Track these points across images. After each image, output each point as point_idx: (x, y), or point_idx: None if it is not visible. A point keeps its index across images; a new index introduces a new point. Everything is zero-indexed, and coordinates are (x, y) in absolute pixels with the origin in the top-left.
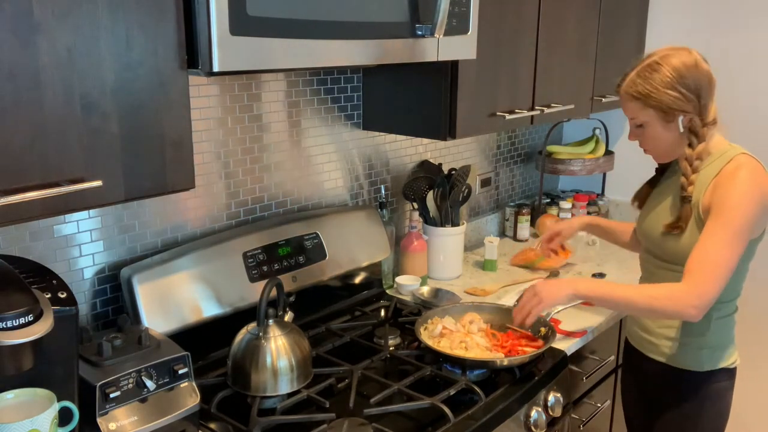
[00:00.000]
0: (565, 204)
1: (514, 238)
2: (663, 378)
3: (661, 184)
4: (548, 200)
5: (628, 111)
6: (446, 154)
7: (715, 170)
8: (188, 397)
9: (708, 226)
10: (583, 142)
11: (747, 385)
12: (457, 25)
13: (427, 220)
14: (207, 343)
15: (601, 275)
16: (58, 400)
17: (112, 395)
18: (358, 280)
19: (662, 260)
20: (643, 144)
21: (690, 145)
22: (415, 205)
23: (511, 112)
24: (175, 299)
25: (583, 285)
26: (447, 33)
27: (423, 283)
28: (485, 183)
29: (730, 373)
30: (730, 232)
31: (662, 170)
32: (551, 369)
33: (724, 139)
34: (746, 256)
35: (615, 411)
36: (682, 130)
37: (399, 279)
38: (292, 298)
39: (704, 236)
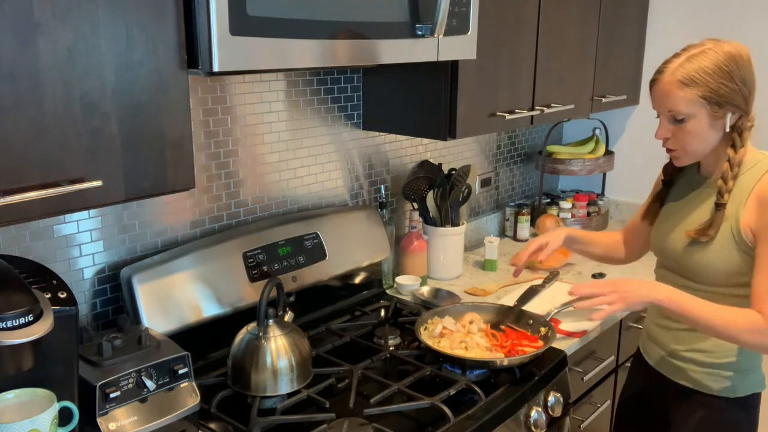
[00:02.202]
0: (565, 204)
1: (514, 238)
2: (686, 405)
3: (679, 198)
4: (548, 200)
5: (671, 101)
6: (446, 154)
7: (751, 180)
8: (188, 397)
9: (766, 251)
10: (583, 142)
11: None
12: (457, 25)
13: (427, 220)
14: (207, 343)
15: (601, 275)
16: (58, 400)
17: (112, 395)
18: (358, 280)
19: (685, 277)
20: (676, 142)
21: (733, 147)
22: (415, 205)
23: (511, 112)
24: (175, 299)
25: (664, 295)
26: (447, 33)
27: (423, 283)
28: (485, 183)
29: (759, 396)
30: None
31: (669, 182)
32: (551, 369)
33: (752, 146)
34: None
35: (615, 411)
36: (728, 129)
37: (399, 279)
38: (292, 298)
39: (765, 263)
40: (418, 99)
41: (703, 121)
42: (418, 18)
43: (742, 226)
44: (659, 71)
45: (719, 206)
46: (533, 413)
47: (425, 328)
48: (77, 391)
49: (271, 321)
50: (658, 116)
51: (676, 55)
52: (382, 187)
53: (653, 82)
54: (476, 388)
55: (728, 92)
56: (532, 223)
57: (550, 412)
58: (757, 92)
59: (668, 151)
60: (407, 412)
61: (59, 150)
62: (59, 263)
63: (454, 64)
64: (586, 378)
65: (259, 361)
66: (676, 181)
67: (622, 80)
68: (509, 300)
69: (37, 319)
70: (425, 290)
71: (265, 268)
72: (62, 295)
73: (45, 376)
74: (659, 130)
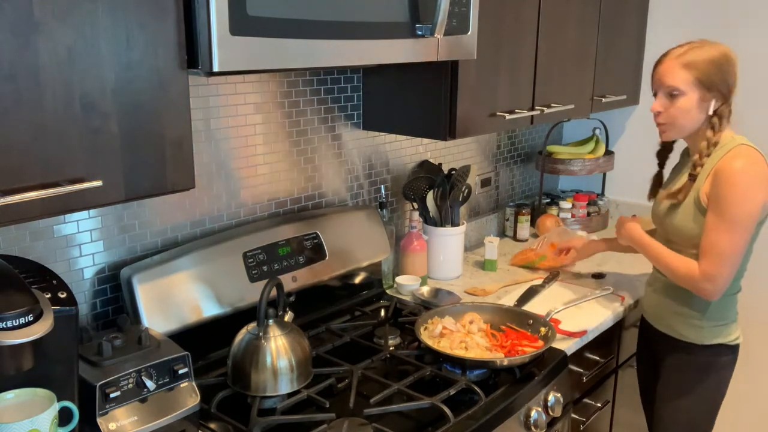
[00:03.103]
0: (565, 204)
1: (514, 238)
2: (667, 349)
3: (673, 179)
4: (548, 200)
5: (670, 78)
6: (446, 154)
7: (716, 158)
8: (188, 397)
9: (710, 217)
10: (583, 142)
11: (754, 363)
12: (457, 25)
13: (427, 220)
14: (207, 343)
15: (600, 275)
16: (58, 400)
17: (112, 395)
18: (358, 280)
19: (667, 240)
20: (667, 116)
21: (713, 128)
22: (415, 205)
23: (511, 112)
24: (175, 299)
25: (637, 236)
26: (447, 33)
27: (423, 283)
28: (485, 183)
29: (730, 349)
30: (731, 223)
31: (662, 164)
32: (551, 369)
33: (731, 132)
34: (752, 238)
35: (615, 411)
36: (711, 112)
37: (399, 279)
38: (292, 298)
39: (708, 227)
40: (418, 99)
41: (693, 100)
42: (418, 18)
43: (700, 194)
44: (664, 54)
45: (691, 176)
46: (533, 413)
47: (425, 328)
48: (77, 391)
49: (271, 321)
50: (655, 95)
51: (680, 46)
52: (382, 187)
53: (658, 63)
54: (476, 388)
55: (717, 81)
56: (532, 223)
57: (550, 412)
58: (755, 90)
59: (659, 125)
60: (407, 412)
61: (59, 150)
62: (59, 263)
63: (454, 64)
64: (586, 378)
65: (259, 361)
66: (677, 168)
67: (622, 80)
68: (509, 300)
69: (37, 319)
70: (425, 290)
71: (265, 268)
72: (62, 295)
73: (45, 376)
74: (655, 104)
